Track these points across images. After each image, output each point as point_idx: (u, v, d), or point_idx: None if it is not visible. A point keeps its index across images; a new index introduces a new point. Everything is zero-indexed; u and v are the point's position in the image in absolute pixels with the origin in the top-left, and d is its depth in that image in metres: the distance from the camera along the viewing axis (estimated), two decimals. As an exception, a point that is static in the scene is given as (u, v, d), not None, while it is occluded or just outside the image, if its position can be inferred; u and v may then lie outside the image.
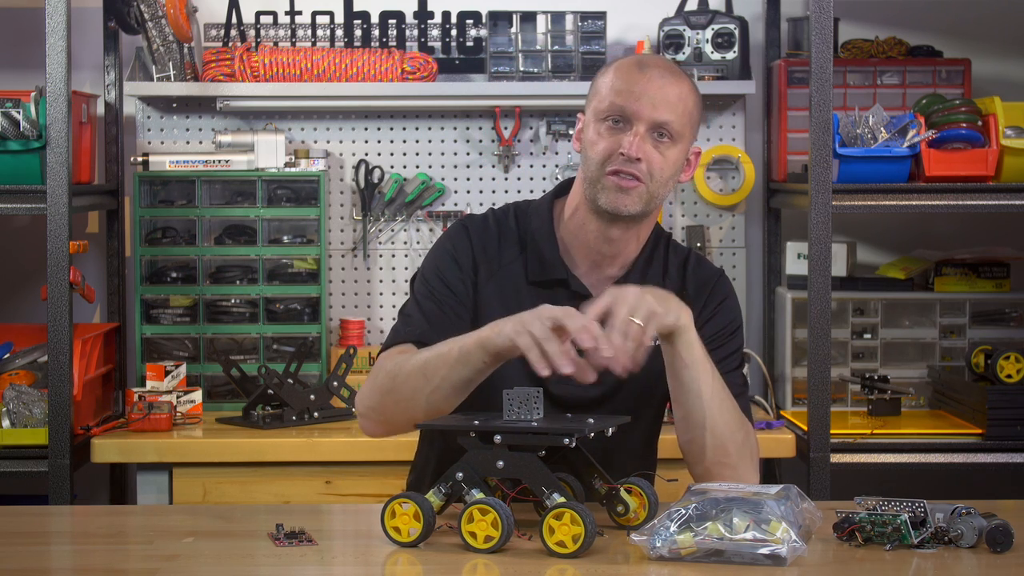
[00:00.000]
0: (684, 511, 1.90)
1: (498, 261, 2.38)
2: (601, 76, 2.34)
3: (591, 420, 2.07)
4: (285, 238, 3.74)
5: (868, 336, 3.67)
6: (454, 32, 3.79)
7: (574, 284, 2.35)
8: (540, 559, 1.94)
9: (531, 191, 3.85)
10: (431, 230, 3.82)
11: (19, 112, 3.27)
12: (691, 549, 1.89)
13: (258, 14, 3.81)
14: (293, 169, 3.70)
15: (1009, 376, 3.36)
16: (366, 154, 3.84)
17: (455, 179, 3.85)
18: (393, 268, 3.85)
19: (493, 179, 3.85)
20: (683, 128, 2.29)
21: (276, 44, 3.79)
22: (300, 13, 3.80)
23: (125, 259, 3.80)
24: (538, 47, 3.73)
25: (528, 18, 3.74)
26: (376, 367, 2.32)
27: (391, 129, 3.85)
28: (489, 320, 2.17)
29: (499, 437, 2.01)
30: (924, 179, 3.33)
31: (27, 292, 3.84)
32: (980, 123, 3.36)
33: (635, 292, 2.11)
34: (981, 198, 3.31)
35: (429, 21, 3.79)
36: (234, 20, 3.78)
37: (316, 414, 3.44)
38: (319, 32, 3.80)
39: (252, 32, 3.80)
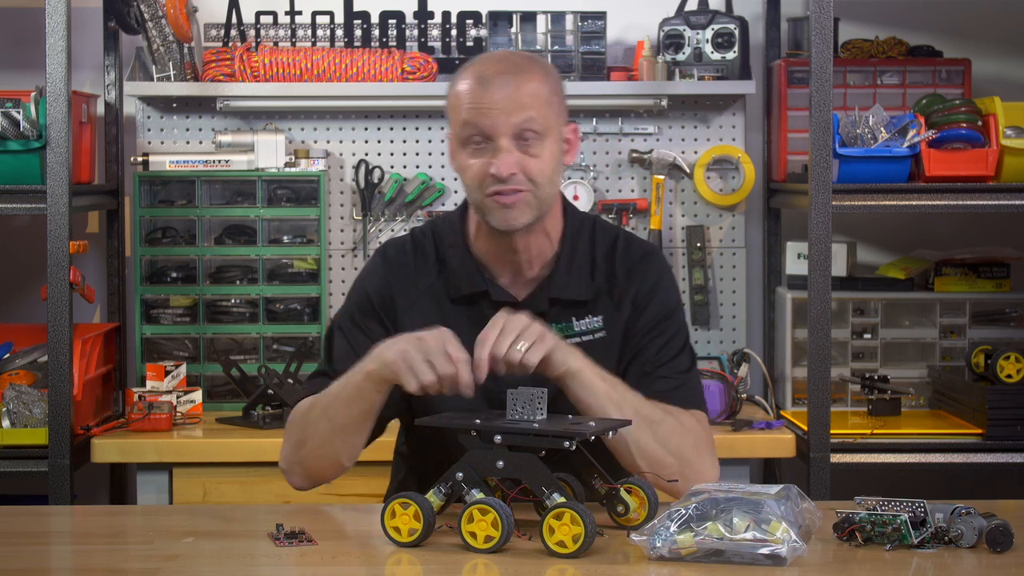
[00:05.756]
0: (684, 511, 1.90)
1: (415, 288, 2.35)
2: (451, 95, 2.27)
3: (592, 423, 2.07)
4: (285, 238, 3.75)
5: (868, 336, 3.67)
6: (454, 32, 3.79)
7: (496, 293, 2.32)
8: (540, 559, 1.94)
9: (531, 191, 3.84)
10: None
11: (19, 112, 3.28)
12: (691, 549, 1.89)
13: (258, 14, 3.80)
14: (293, 169, 3.69)
15: (1009, 376, 3.36)
16: (366, 154, 3.84)
17: (455, 179, 3.85)
18: (393, 268, 3.84)
19: (493, 179, 3.84)
20: (546, 120, 2.22)
21: (276, 44, 3.79)
22: (300, 13, 3.80)
23: (125, 259, 3.80)
24: (538, 47, 3.73)
25: (528, 18, 3.74)
26: (288, 423, 2.34)
27: (391, 129, 3.85)
28: None
29: (499, 437, 2.01)
30: (924, 179, 3.33)
31: (27, 292, 3.84)
32: (980, 123, 3.36)
33: (523, 319, 2.13)
34: (981, 198, 3.31)
35: (429, 21, 3.79)
36: (234, 20, 3.78)
37: (316, 414, 3.44)
38: (319, 32, 3.80)
39: (252, 32, 3.80)
